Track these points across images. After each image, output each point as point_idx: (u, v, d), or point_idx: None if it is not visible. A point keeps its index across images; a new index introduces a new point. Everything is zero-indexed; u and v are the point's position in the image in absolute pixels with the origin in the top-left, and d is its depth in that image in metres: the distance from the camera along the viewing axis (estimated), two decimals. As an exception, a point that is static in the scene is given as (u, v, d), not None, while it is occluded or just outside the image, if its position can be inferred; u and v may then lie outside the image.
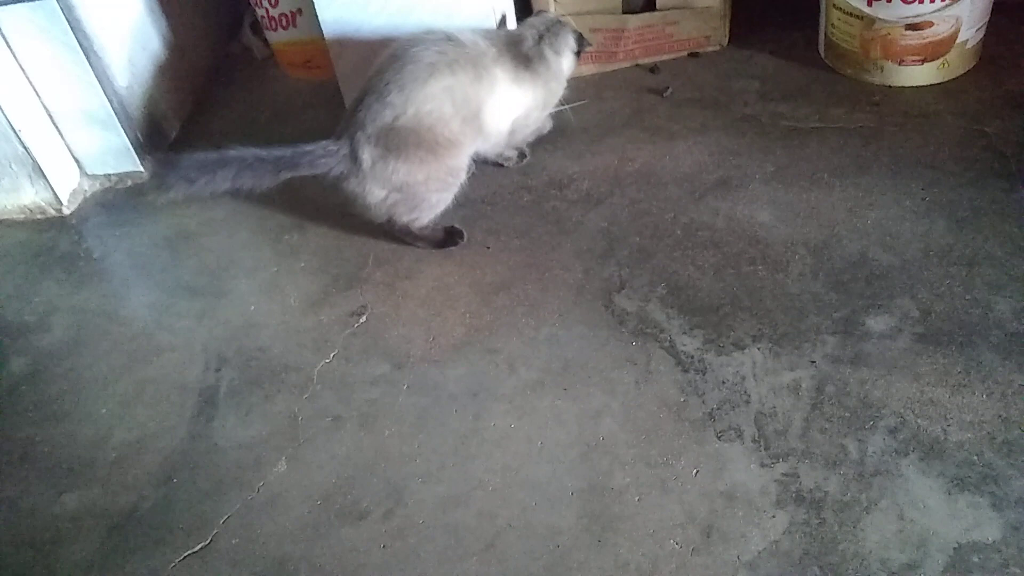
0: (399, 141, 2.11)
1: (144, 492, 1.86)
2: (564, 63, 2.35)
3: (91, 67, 2.52)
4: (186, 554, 1.74)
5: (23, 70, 2.52)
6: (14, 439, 2.04)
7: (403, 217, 2.24)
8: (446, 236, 2.30)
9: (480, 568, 1.62)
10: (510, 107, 2.27)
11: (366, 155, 2.12)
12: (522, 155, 2.51)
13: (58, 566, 1.77)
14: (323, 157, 2.15)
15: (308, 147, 2.15)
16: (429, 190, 2.19)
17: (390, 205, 2.21)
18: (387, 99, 2.09)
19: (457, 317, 2.10)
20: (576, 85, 2.74)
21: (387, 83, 2.10)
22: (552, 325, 2.03)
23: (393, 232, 2.30)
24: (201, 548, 1.74)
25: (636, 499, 1.69)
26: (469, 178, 2.27)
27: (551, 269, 2.17)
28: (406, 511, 1.74)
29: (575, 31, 2.39)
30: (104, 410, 2.05)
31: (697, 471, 1.72)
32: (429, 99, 2.09)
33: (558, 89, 2.39)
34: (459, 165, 2.22)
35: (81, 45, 2.48)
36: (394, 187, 2.16)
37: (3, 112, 2.47)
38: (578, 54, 2.40)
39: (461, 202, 2.39)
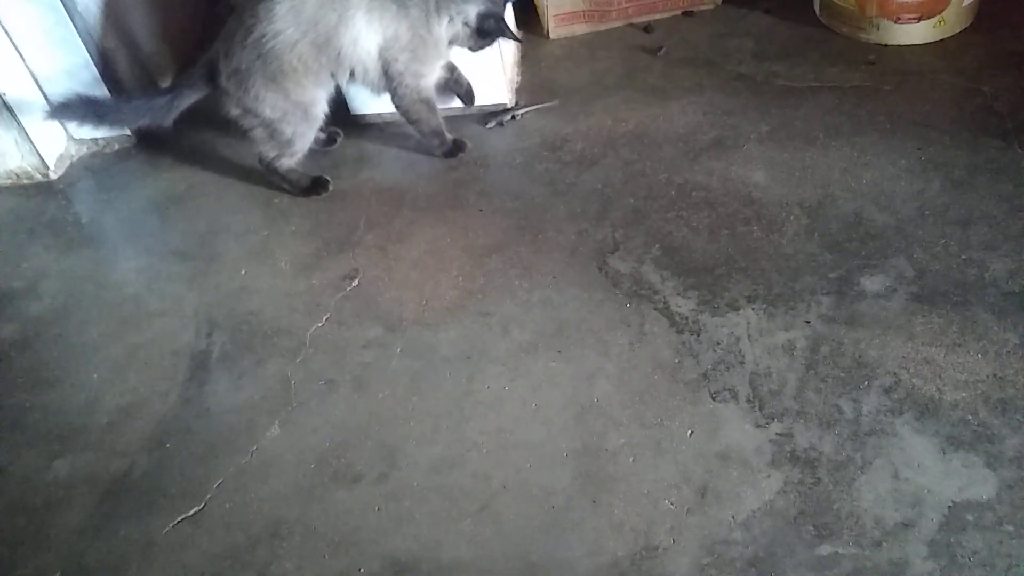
0: (250, 64, 2.14)
1: (137, 457, 1.86)
2: (443, 26, 2.20)
3: (75, 28, 2.46)
4: (180, 518, 1.73)
5: (7, 32, 2.47)
6: (5, 406, 2.02)
7: (268, 153, 2.31)
8: (312, 184, 2.38)
9: (475, 529, 1.62)
10: (368, 37, 2.16)
11: (222, 72, 2.18)
12: (450, 146, 2.41)
13: (51, 532, 1.77)
14: (188, 86, 2.25)
15: (180, 81, 2.31)
16: (284, 123, 2.22)
17: (252, 133, 2.27)
18: (242, 18, 2.14)
19: (450, 280, 2.08)
20: (569, 45, 2.72)
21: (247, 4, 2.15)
22: (545, 287, 2.02)
23: (265, 174, 2.38)
24: (195, 512, 1.74)
25: (630, 460, 1.69)
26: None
27: (544, 231, 2.15)
28: (400, 474, 1.73)
29: (490, 12, 2.21)
30: (95, 375, 2.04)
31: (691, 432, 1.71)
32: (275, 19, 2.10)
33: (432, 46, 2.23)
34: (311, 99, 2.23)
35: (65, 5, 2.43)
36: (248, 110, 2.22)
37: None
38: (483, 34, 2.24)
39: (452, 164, 2.37)
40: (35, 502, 1.83)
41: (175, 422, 1.91)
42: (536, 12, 2.77)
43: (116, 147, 2.69)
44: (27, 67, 2.54)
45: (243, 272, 2.21)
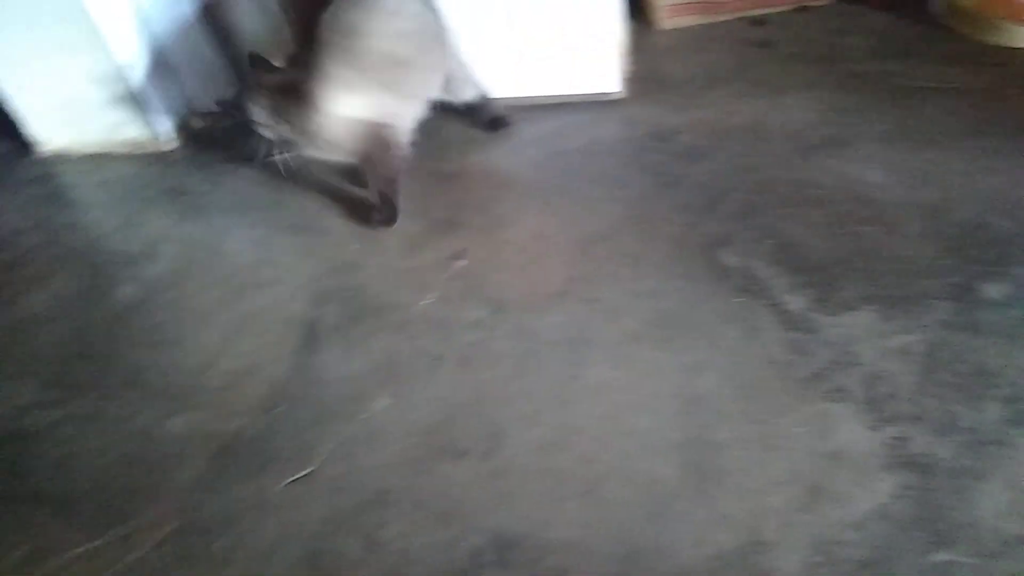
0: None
1: (249, 419, 1.92)
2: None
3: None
4: (291, 479, 1.78)
5: (135, 6, 2.56)
6: (123, 363, 2.11)
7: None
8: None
9: (580, 512, 1.64)
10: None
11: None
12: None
13: (167, 485, 1.84)
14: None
15: None
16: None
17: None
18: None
19: (555, 266, 2.10)
20: (679, 36, 2.70)
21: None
22: (653, 278, 2.02)
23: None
24: (306, 475, 1.79)
25: (738, 454, 1.68)
26: (564, 129, 2.28)
27: (652, 222, 2.15)
28: (505, 452, 1.76)
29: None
30: (210, 339, 2.11)
31: (802, 430, 1.70)
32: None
33: None
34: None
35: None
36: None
37: (113, 49, 2.51)
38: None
39: (559, 151, 2.38)
40: (152, 456, 1.90)
41: (287, 387, 1.96)
42: (646, 1, 2.77)
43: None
44: (152, 42, 2.62)
45: (353, 247, 2.26)
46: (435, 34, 2.26)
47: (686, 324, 1.92)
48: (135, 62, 2.58)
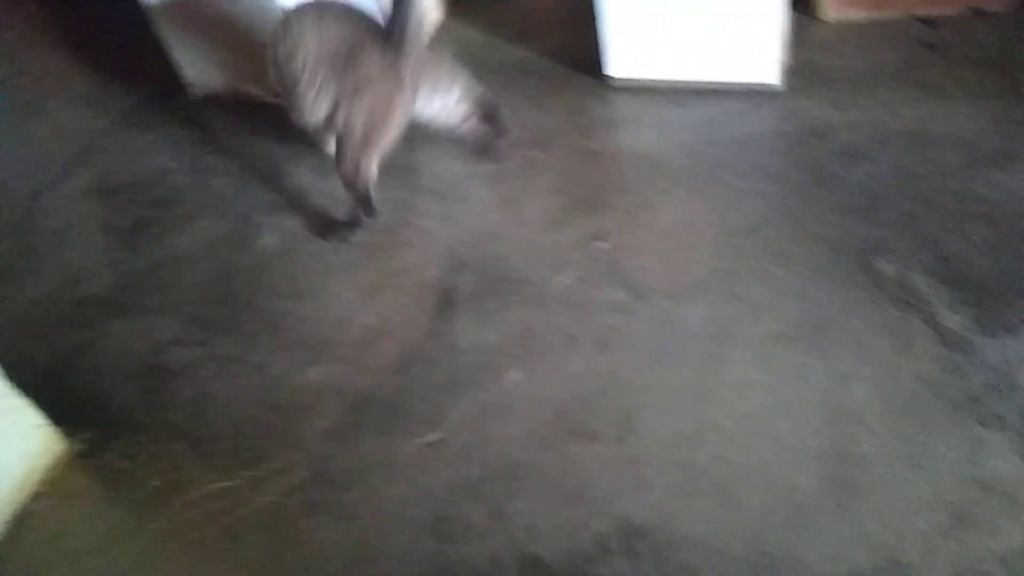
0: None
1: (383, 377, 1.94)
2: None
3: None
4: (419, 442, 1.80)
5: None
6: (264, 310, 2.16)
7: None
8: None
9: (712, 510, 1.60)
10: None
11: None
12: None
13: (300, 432, 1.88)
14: None
15: None
16: None
17: None
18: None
19: (700, 256, 2.05)
20: (843, 29, 2.59)
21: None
22: (803, 279, 1.95)
23: None
24: (435, 439, 1.80)
25: (883, 471, 1.61)
26: (718, 116, 2.22)
27: (805, 220, 2.07)
28: (638, 440, 1.73)
29: None
30: (348, 295, 2.14)
31: (952, 453, 1.62)
32: None
33: None
34: None
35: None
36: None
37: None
38: None
39: (710, 138, 2.32)
40: (286, 403, 1.94)
41: (421, 350, 1.98)
42: (812, -8, 2.67)
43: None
44: None
45: (493, 217, 2.26)
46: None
47: (836, 331, 1.84)
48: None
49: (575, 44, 2.71)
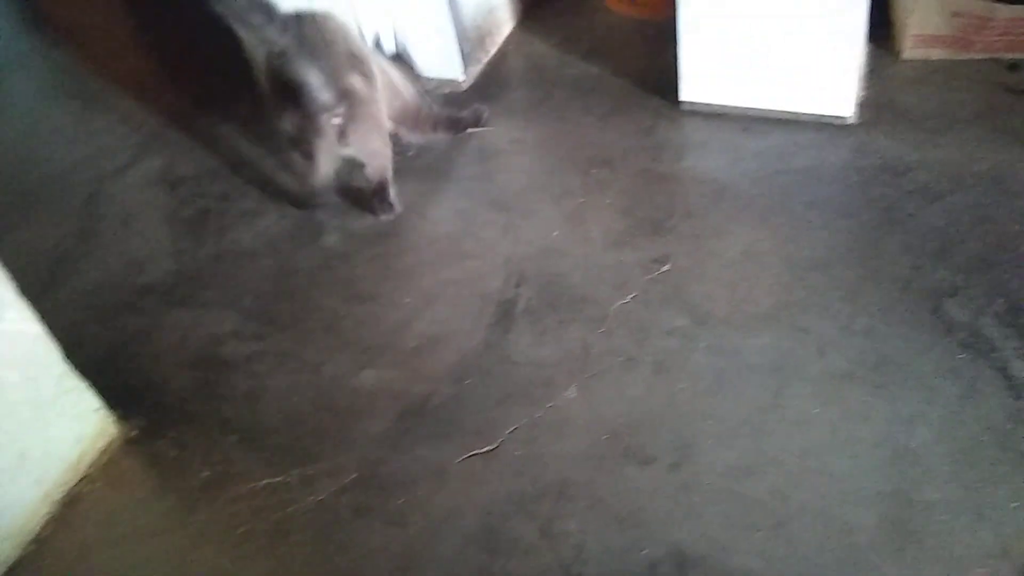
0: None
1: (438, 386, 1.93)
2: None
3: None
4: (472, 453, 1.79)
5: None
6: (323, 309, 2.17)
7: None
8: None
9: (767, 544, 1.57)
10: None
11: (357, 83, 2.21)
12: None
13: (352, 434, 1.88)
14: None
15: None
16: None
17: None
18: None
19: (765, 286, 2.02)
20: (922, 68, 2.55)
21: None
22: (870, 317, 1.91)
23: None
24: (487, 451, 1.79)
25: (944, 518, 1.57)
26: (788, 147, 2.25)
27: (875, 258, 2.03)
28: (694, 468, 1.70)
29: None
30: (407, 300, 2.14)
31: (1017, 504, 1.57)
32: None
33: None
34: None
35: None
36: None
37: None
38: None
39: (780, 168, 2.29)
40: (340, 404, 1.95)
41: (477, 361, 1.97)
42: (891, 27, 2.63)
43: (447, 90, 2.79)
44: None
45: (555, 233, 2.25)
46: None
47: (902, 372, 1.80)
48: (373, 14, 2.63)
49: (647, 64, 2.70)
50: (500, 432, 1.82)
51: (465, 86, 2.78)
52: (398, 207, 2.38)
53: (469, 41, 2.75)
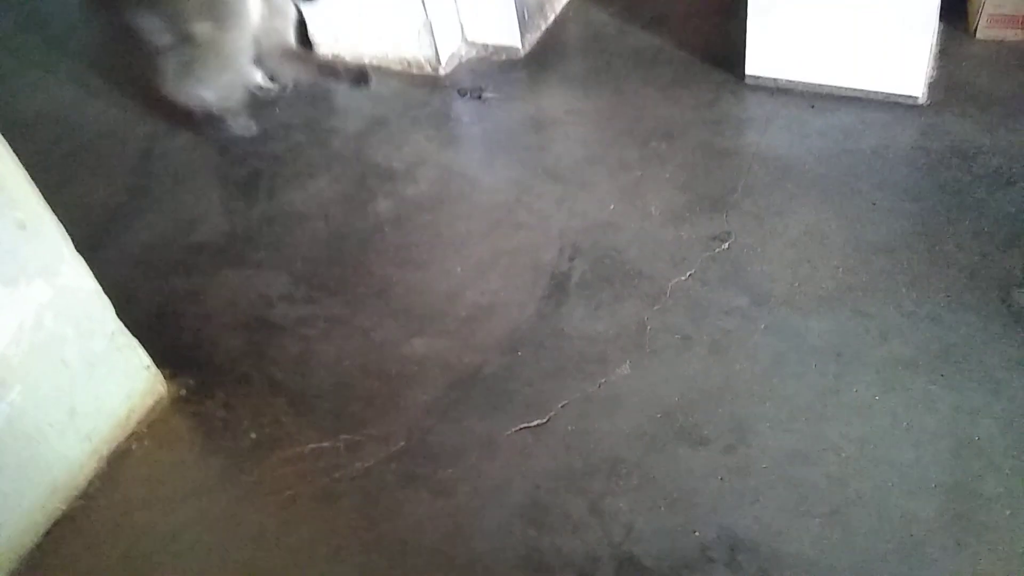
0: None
1: (489, 356, 1.91)
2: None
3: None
4: (522, 426, 1.77)
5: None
6: (374, 275, 2.15)
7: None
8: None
9: (822, 531, 1.53)
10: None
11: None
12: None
13: (401, 402, 1.87)
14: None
15: None
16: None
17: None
18: None
19: (828, 268, 1.96)
20: (996, 49, 2.45)
21: None
22: (936, 304, 1.85)
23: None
24: (537, 424, 1.77)
25: (1007, 512, 1.52)
26: (856, 125, 2.19)
27: (942, 243, 1.97)
28: (749, 451, 1.67)
29: None
30: (459, 269, 2.12)
31: (1085, 505, 1.52)
32: None
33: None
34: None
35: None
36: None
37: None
38: None
39: (847, 148, 2.22)
40: (390, 371, 1.93)
41: (529, 333, 1.94)
42: (966, 5, 2.53)
43: (503, 57, 2.75)
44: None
45: (612, 207, 2.20)
46: None
47: (968, 361, 1.75)
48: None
49: (711, 36, 2.64)
50: (551, 406, 1.79)
51: (522, 53, 2.73)
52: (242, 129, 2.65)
53: (528, 8, 2.70)
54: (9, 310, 1.66)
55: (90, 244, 1.87)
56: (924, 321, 1.83)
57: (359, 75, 2.70)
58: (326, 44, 2.87)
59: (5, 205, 1.62)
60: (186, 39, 2.46)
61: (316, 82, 2.74)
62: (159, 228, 2.43)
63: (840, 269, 1.95)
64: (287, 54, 2.66)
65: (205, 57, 2.50)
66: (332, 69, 2.76)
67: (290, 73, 2.73)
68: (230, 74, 2.58)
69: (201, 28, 2.45)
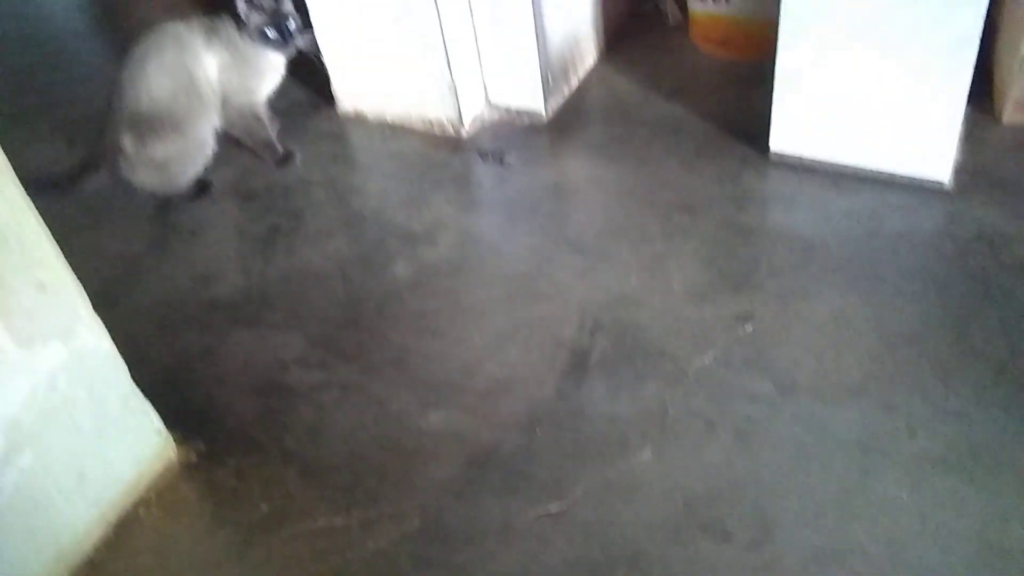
0: (149, 125, 2.47)
1: (507, 434, 1.87)
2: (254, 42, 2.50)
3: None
4: (542, 512, 1.72)
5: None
6: (391, 341, 2.12)
7: (163, 190, 2.64)
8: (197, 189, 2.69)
9: (850, 640, 1.49)
10: (208, 71, 2.51)
11: (127, 144, 2.48)
12: (282, 156, 2.75)
13: (416, 478, 1.82)
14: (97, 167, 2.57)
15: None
16: (183, 163, 2.58)
17: (152, 182, 2.60)
18: (123, 92, 2.46)
19: (855, 356, 1.93)
20: (1021, 135, 2.44)
21: (122, 79, 2.46)
22: (964, 398, 1.82)
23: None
24: (557, 511, 1.72)
25: (1040, 627, 1.48)
26: (881, 208, 2.14)
27: (970, 336, 1.94)
28: (775, 548, 1.62)
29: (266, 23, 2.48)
30: (477, 339, 2.09)
31: (1121, 622, 1.48)
32: (152, 80, 2.44)
33: (253, 65, 2.56)
34: (203, 137, 2.58)
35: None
36: (156, 165, 2.54)
37: (440, 22, 2.52)
38: (270, 42, 2.50)
39: (872, 230, 2.20)
40: (405, 445, 1.89)
41: (548, 411, 1.91)
42: (991, 90, 2.53)
43: (526, 121, 2.75)
44: (473, 23, 2.63)
45: (633, 281, 2.18)
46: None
47: (999, 461, 1.71)
48: (457, 40, 2.59)
49: (735, 109, 2.64)
50: (571, 490, 1.75)
51: (545, 118, 2.73)
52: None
53: (553, 72, 2.70)
54: (24, 373, 1.62)
55: (105, 299, 1.84)
56: (952, 416, 1.79)
57: (285, 156, 2.75)
58: (348, 101, 2.87)
59: (26, 266, 1.59)
60: (112, 151, 2.53)
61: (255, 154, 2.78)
62: (174, 282, 2.40)
63: (866, 358, 1.92)
64: (250, 117, 2.67)
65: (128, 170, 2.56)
66: (269, 147, 2.75)
67: (248, 140, 2.73)
68: (195, 152, 2.61)
69: (125, 141, 2.51)
